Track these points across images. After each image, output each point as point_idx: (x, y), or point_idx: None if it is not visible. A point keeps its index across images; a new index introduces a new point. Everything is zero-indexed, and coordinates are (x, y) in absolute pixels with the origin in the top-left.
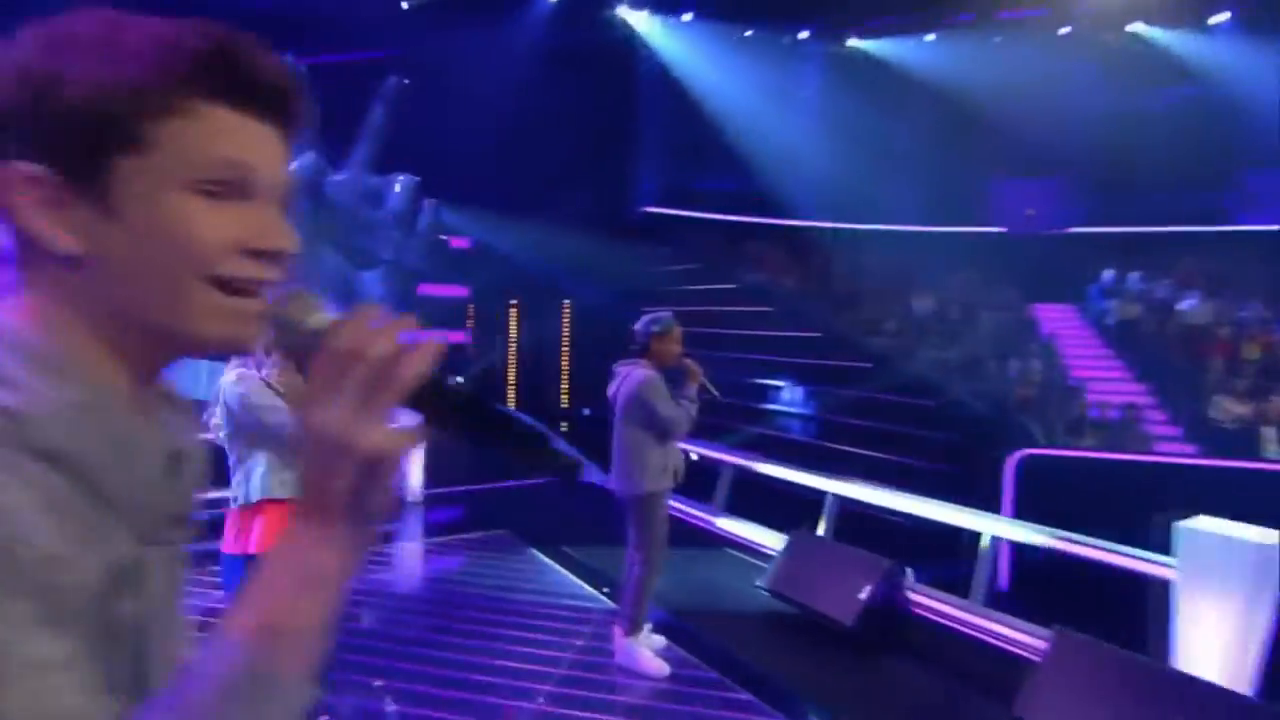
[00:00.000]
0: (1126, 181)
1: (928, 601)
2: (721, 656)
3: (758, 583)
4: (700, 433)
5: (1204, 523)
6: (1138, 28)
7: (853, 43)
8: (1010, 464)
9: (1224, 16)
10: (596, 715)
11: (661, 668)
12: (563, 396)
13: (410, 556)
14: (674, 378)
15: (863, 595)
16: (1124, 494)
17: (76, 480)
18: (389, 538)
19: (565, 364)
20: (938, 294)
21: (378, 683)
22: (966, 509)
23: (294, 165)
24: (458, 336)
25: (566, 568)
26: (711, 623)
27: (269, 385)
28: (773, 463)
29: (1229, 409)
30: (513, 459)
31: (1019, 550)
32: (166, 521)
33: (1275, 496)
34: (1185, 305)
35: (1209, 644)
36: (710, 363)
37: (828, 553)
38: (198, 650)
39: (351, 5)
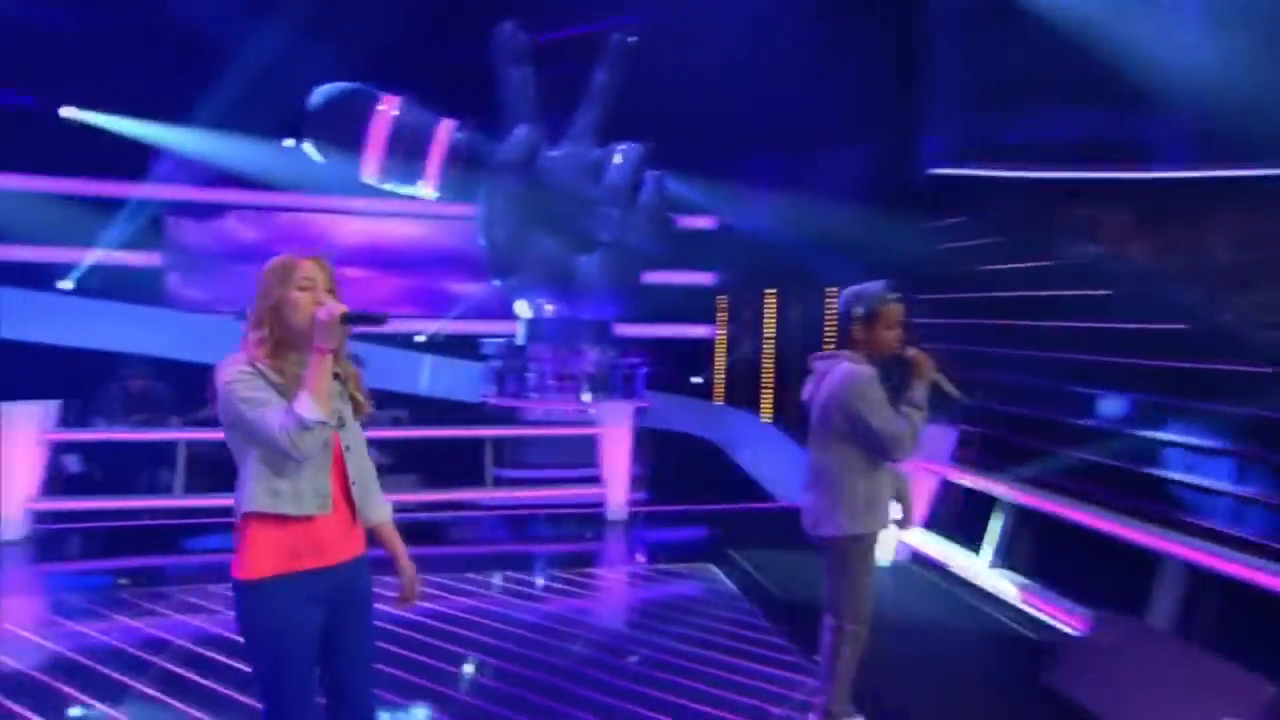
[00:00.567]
0: None
1: None
2: None
3: (1041, 676)
4: (976, 457)
5: None
6: None
7: None
8: None
9: None
10: None
11: None
12: None
13: (609, 584)
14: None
15: None
16: None
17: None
18: (593, 561)
19: None
20: None
21: None
22: None
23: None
24: (705, 330)
25: (772, 617)
26: None
27: (261, 373)
28: (1088, 506)
29: None
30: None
31: None
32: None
33: None
34: None
35: None
36: (1016, 365)
37: (1163, 652)
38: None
39: None
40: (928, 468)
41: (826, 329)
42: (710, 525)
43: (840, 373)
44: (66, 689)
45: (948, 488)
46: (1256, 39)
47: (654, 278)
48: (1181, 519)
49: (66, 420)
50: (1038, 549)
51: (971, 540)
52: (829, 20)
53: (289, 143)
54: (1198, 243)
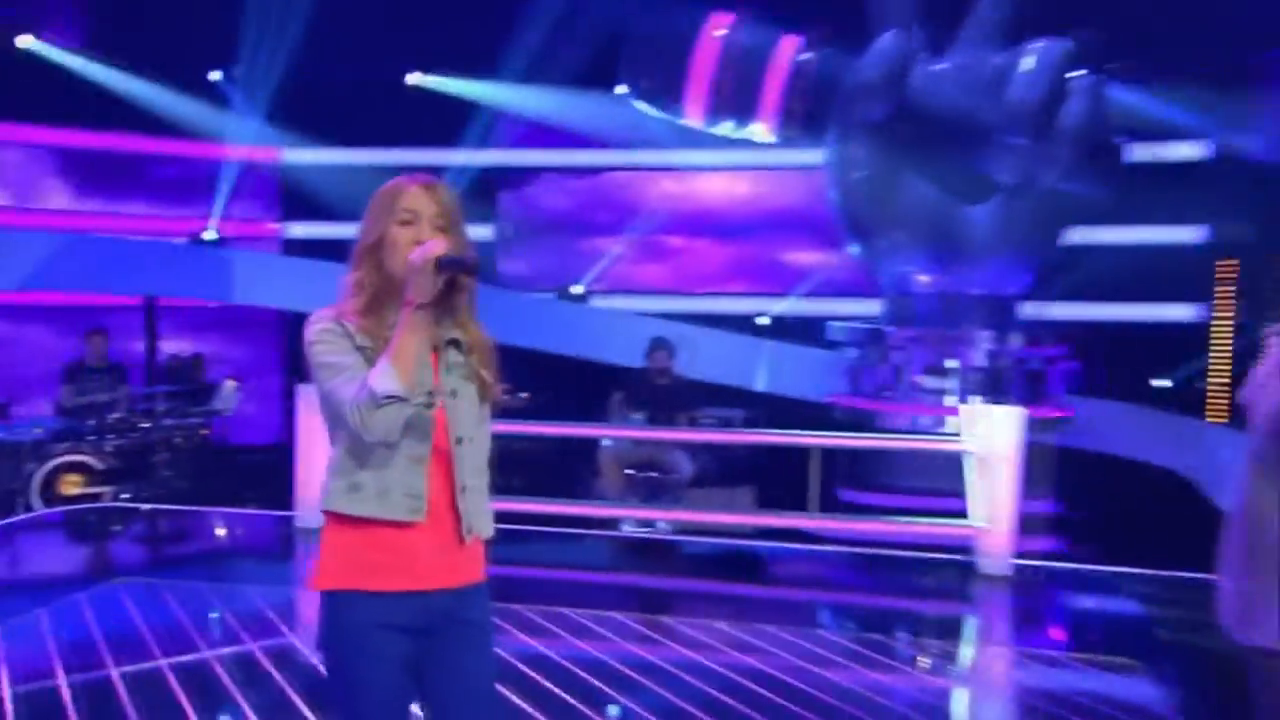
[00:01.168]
0: None
1: None
2: None
3: None
4: None
5: None
6: None
7: None
8: None
9: None
10: None
11: None
12: None
13: (973, 668)
14: None
15: None
16: None
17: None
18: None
19: None
20: None
21: None
22: None
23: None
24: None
25: None
26: None
27: (348, 332)
28: None
29: None
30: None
31: None
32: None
33: None
34: None
35: None
36: None
37: None
38: None
39: None
40: None
41: None
42: (1153, 600)
43: None
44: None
45: None
46: None
47: (1090, 235)
48: None
49: None
50: None
51: None
52: None
53: (621, 89)
54: None
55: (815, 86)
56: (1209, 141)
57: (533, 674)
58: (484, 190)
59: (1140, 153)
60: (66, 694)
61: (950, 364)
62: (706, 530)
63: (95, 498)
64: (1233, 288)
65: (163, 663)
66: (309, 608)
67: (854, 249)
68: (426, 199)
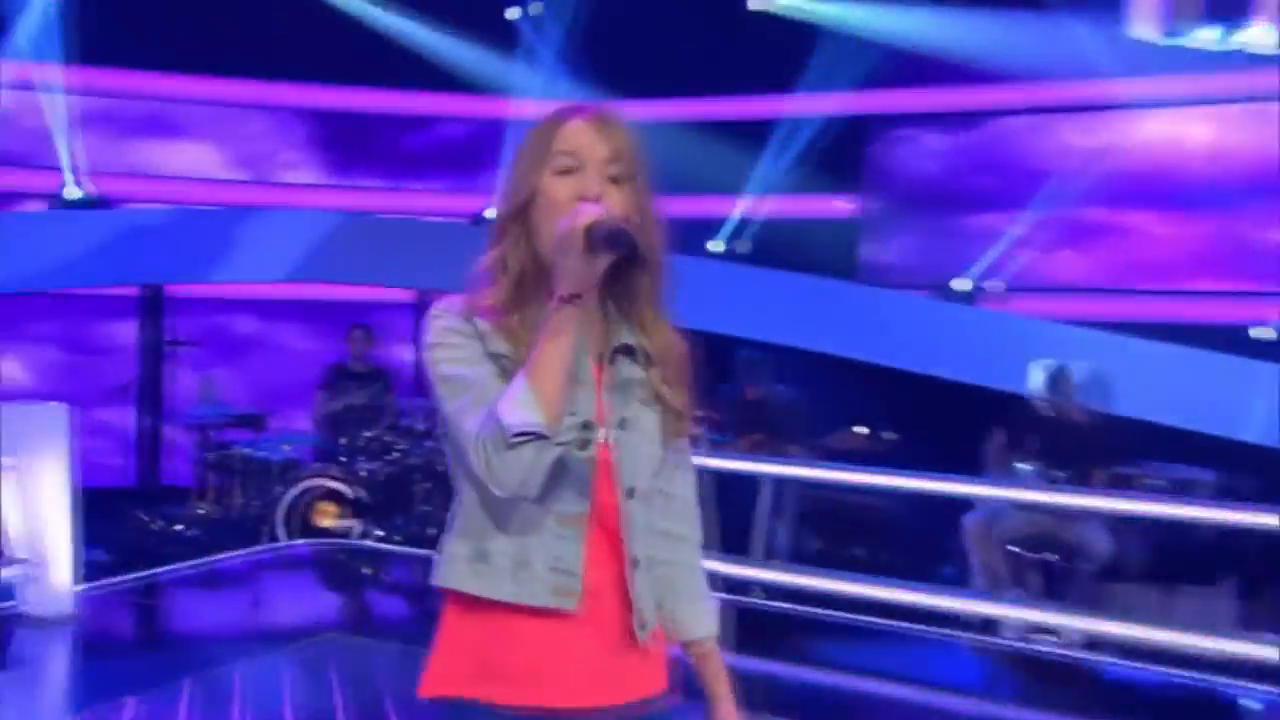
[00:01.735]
0: None
1: None
2: None
3: None
4: None
5: None
6: None
7: None
8: None
9: None
10: None
11: None
12: None
13: None
14: None
15: None
16: None
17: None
18: None
19: None
20: None
21: None
22: None
23: None
24: None
25: None
26: None
27: (480, 334)
28: None
29: None
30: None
31: None
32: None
33: None
34: None
35: None
36: None
37: None
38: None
39: None
40: None
41: None
42: None
43: None
44: None
45: None
46: None
47: None
48: None
49: None
50: None
51: None
52: None
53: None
54: None
55: None
56: None
57: None
58: (841, 151)
59: None
60: None
61: None
62: (1136, 650)
63: (345, 532)
64: None
65: None
66: None
67: None
68: (594, 136)
